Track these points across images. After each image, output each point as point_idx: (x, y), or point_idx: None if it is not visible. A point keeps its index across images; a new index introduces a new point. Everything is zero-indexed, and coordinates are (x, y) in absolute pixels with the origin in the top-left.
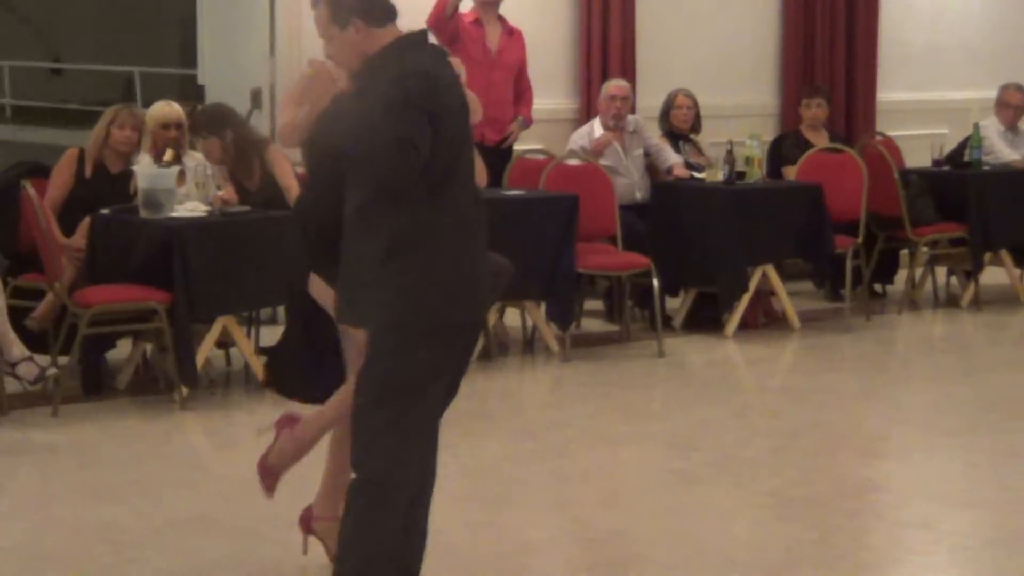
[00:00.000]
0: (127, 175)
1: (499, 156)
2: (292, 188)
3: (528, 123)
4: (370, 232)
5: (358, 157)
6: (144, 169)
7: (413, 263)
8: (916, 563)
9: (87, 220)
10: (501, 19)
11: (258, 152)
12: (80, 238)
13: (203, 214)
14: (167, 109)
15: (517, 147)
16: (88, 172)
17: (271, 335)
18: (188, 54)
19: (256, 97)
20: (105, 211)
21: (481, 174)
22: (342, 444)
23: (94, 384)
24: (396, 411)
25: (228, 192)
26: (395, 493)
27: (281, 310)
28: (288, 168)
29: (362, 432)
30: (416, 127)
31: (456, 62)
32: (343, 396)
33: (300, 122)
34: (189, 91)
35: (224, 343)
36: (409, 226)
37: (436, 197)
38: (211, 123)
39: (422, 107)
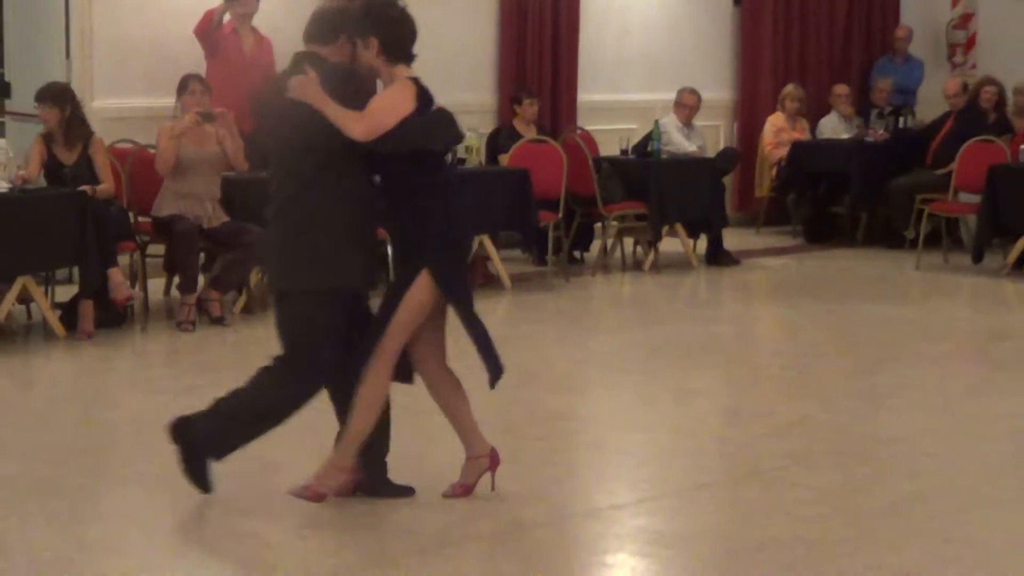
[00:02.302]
0: None
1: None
2: (108, 179)
3: None
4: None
5: None
6: None
7: None
8: (590, 475)
9: None
10: (254, 29)
11: (83, 136)
12: None
13: (5, 190)
14: None
15: None
16: None
17: (67, 293)
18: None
19: None
20: None
21: (241, 160)
22: (440, 392)
23: None
24: None
25: (28, 172)
26: None
27: (75, 271)
28: (106, 162)
29: None
30: None
31: None
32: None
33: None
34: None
35: (24, 299)
36: None
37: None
38: (56, 96)
39: None
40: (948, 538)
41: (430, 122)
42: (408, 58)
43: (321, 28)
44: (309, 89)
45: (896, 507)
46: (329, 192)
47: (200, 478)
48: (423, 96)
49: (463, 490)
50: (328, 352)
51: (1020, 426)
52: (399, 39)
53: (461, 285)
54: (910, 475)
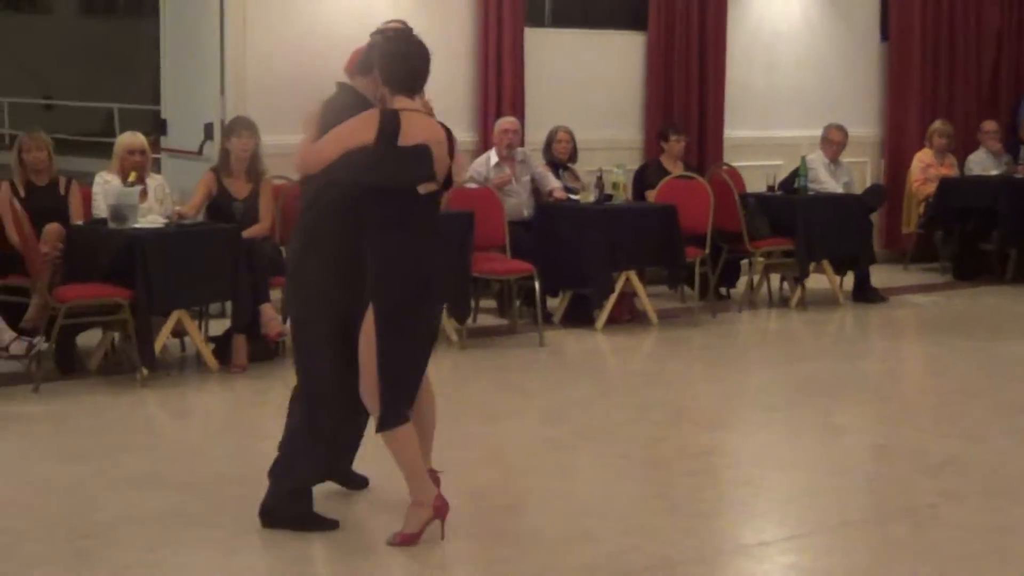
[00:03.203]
0: (55, 183)
1: None
2: (267, 218)
3: None
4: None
5: None
6: (111, 188)
7: None
8: (738, 512)
9: (50, 228)
10: None
11: (259, 172)
12: (45, 244)
13: (161, 225)
14: (132, 138)
15: None
16: (22, 193)
17: (219, 327)
18: (159, 93)
19: (208, 130)
20: (79, 223)
21: None
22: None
23: (69, 365)
24: None
25: (188, 207)
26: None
27: (228, 306)
28: (270, 201)
29: None
30: None
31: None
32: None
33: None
34: (158, 125)
35: (179, 332)
36: None
37: None
38: (251, 126)
39: None
40: None
41: (394, 156)
42: (407, 90)
43: (362, 60)
44: (303, 121)
45: None
46: (315, 220)
47: (320, 524)
48: (387, 126)
49: (405, 540)
50: (327, 382)
51: None
52: (396, 72)
53: (396, 320)
54: None
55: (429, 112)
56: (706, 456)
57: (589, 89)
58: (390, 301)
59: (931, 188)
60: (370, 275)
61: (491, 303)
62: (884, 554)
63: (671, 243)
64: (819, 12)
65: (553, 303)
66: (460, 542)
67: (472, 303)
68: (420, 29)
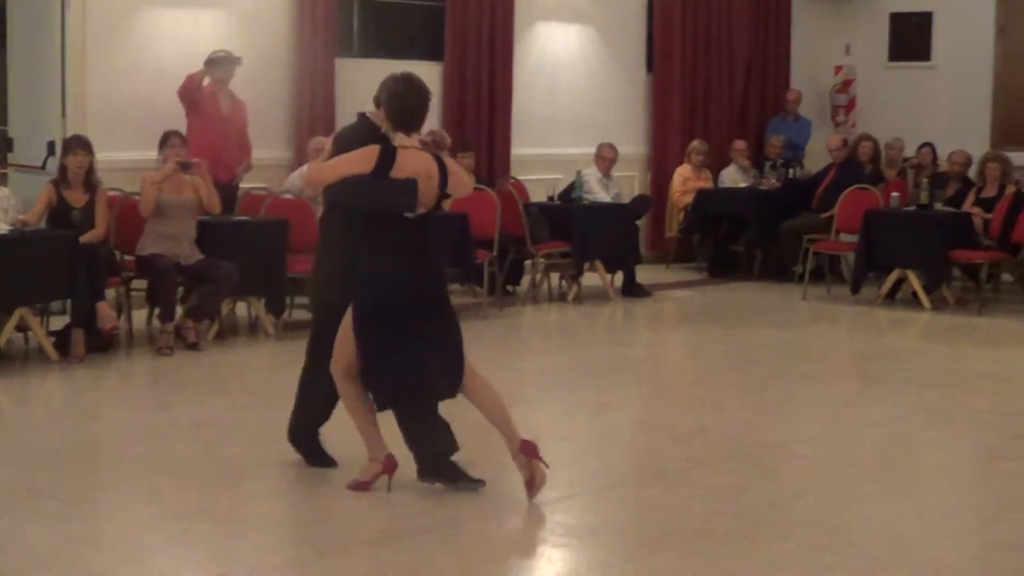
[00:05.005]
0: None
1: (229, 192)
2: (102, 225)
3: (250, 167)
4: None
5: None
6: None
7: None
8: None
9: None
10: (230, 92)
11: (93, 184)
12: None
13: (5, 231)
14: None
15: (244, 185)
16: None
17: (59, 322)
18: (6, 114)
19: (51, 147)
20: None
21: (215, 204)
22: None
23: None
24: None
25: (30, 215)
26: None
27: (68, 303)
28: (105, 210)
29: None
30: None
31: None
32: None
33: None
34: (4, 142)
35: (22, 327)
36: None
37: None
38: (87, 145)
39: None
40: (822, 528)
41: (378, 186)
42: (405, 127)
43: (378, 94)
44: (326, 143)
45: (779, 503)
46: (330, 227)
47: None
48: (383, 162)
49: (357, 486)
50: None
51: (887, 432)
52: (396, 110)
53: (370, 325)
54: (792, 476)
55: (422, 146)
56: (492, 430)
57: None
58: (361, 306)
59: (689, 198)
60: (356, 280)
61: (305, 299)
62: (639, 511)
63: (464, 246)
64: (593, 46)
65: None
66: (276, 502)
67: (287, 299)
68: (241, 55)
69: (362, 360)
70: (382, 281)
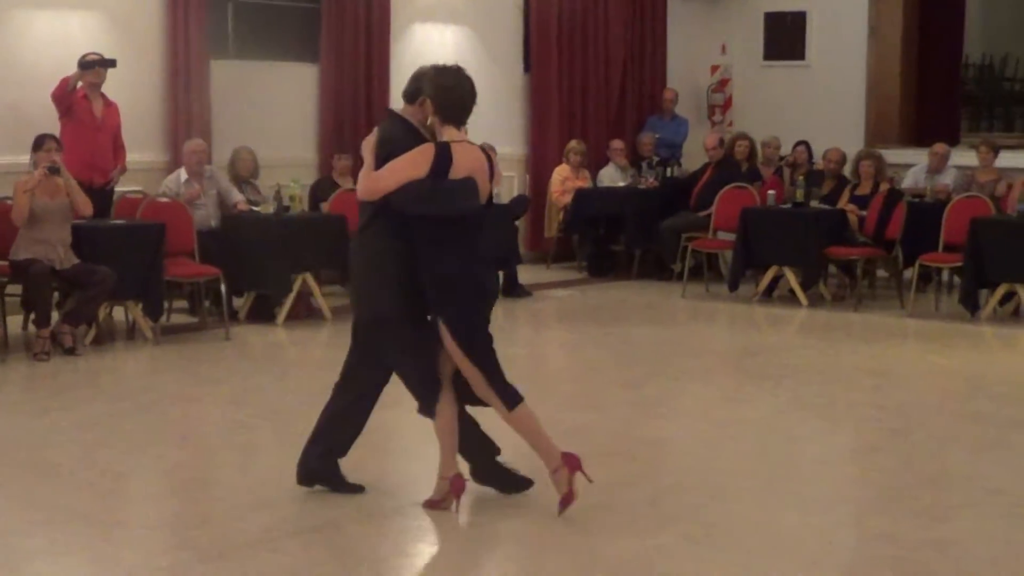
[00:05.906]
0: None
1: (104, 195)
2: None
3: (124, 170)
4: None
5: None
6: None
7: None
8: (400, 477)
9: None
10: (103, 95)
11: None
12: None
13: None
14: None
15: (119, 188)
16: None
17: None
18: None
19: None
20: None
21: (84, 205)
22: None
23: None
24: None
25: None
26: None
27: None
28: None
29: None
30: None
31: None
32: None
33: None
34: None
35: None
36: None
37: None
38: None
39: None
40: (701, 522)
41: (444, 189)
42: (456, 121)
43: (409, 88)
44: (365, 147)
45: (657, 497)
46: (375, 236)
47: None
48: (440, 163)
49: (429, 504)
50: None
51: (763, 428)
52: (446, 103)
53: (471, 329)
54: (670, 471)
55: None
56: (374, 432)
57: (269, 113)
58: (452, 312)
59: (568, 198)
60: (429, 291)
61: (183, 303)
62: (519, 509)
63: (341, 248)
64: (470, 47)
65: (239, 302)
66: (157, 506)
67: (165, 303)
68: (115, 58)
69: (484, 372)
70: (459, 282)
